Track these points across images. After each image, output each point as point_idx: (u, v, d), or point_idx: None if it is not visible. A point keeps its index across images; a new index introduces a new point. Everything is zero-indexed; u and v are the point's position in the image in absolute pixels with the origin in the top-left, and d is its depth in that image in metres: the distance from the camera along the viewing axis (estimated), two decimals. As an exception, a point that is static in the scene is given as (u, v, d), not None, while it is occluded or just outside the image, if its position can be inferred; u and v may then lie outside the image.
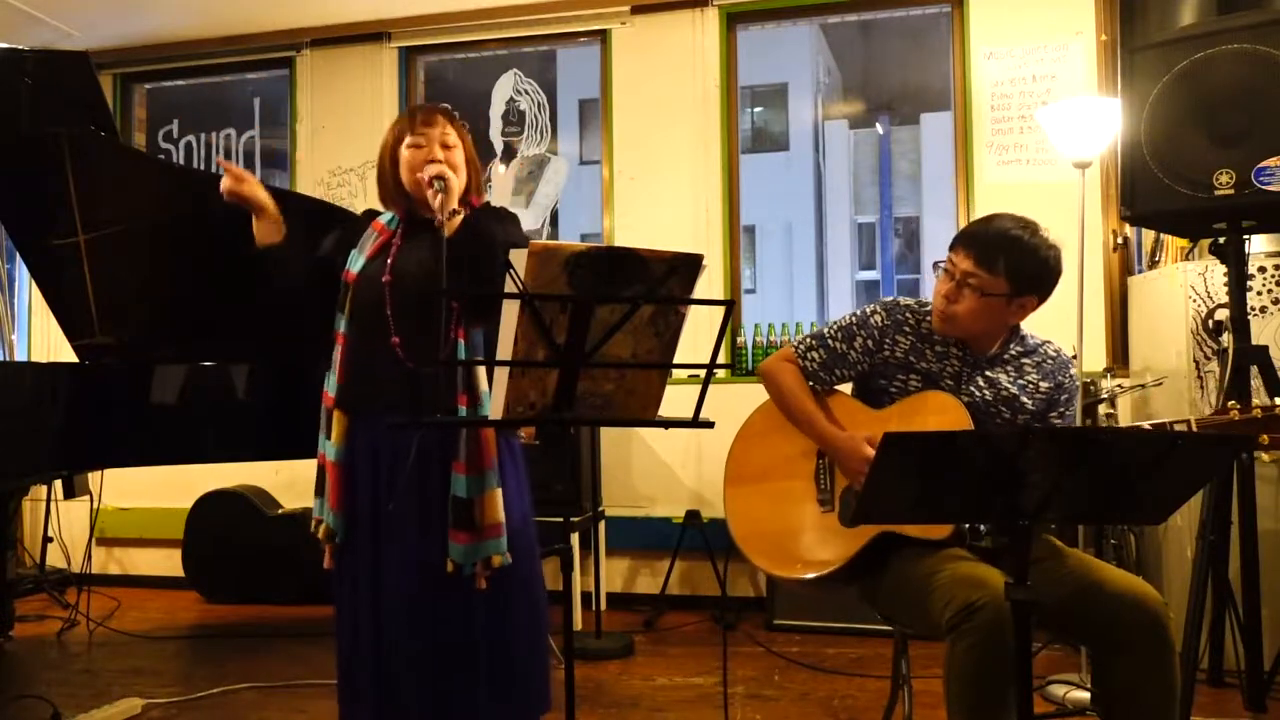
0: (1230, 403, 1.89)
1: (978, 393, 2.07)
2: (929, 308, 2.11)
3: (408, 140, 2.17)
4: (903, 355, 2.10)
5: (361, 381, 2.13)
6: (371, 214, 2.29)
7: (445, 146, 2.16)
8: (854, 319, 2.14)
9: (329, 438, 2.15)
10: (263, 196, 2.23)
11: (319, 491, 2.16)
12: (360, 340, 2.13)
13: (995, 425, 2.07)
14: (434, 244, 2.06)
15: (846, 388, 2.21)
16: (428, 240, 2.12)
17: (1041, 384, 2.09)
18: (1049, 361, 2.11)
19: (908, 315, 2.11)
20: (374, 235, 2.20)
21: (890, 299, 2.16)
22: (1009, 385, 2.08)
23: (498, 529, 2.08)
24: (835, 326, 2.16)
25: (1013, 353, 2.10)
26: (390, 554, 2.09)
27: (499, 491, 2.09)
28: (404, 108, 4.92)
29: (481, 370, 2.09)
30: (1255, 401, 1.89)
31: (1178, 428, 1.86)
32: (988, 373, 2.08)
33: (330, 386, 2.16)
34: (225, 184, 2.21)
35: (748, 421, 2.22)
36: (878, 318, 2.12)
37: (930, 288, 2.19)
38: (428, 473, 2.09)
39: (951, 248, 2.04)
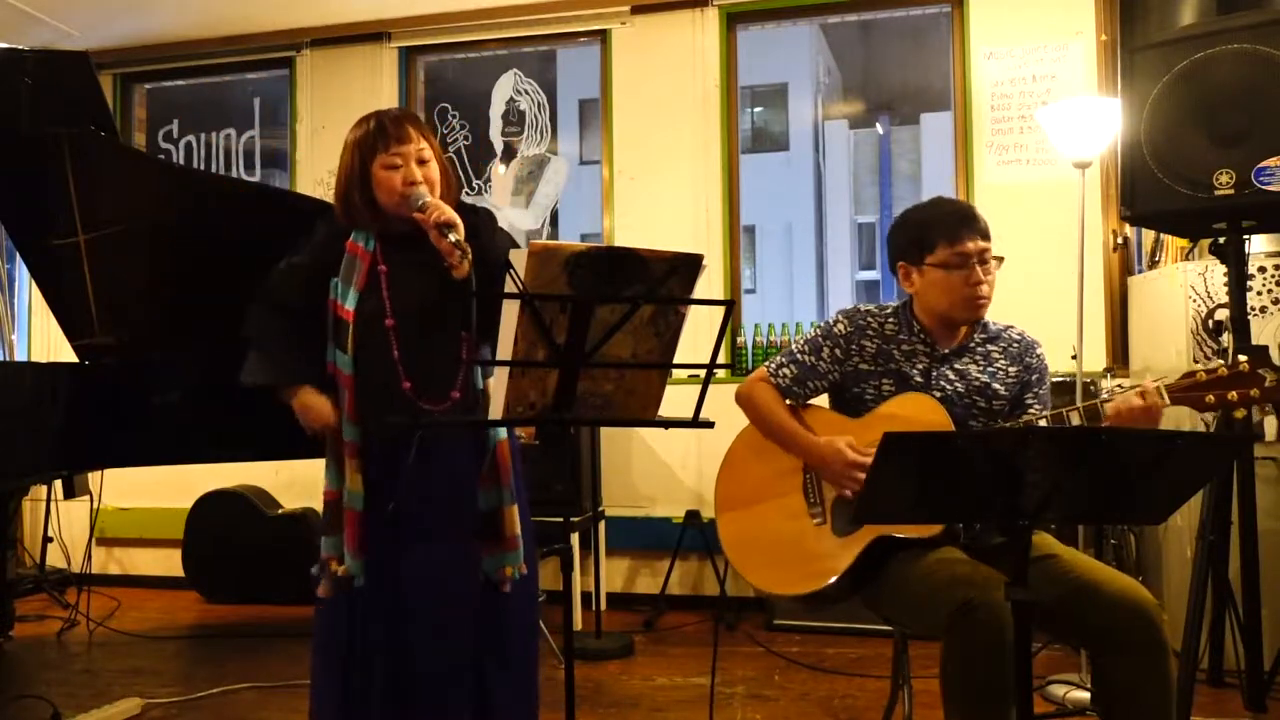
0: (1197, 363, 1.90)
1: (949, 386, 2.09)
2: (889, 310, 2.16)
3: (380, 160, 2.04)
4: (871, 358, 2.12)
5: (377, 425, 2.08)
6: (336, 230, 2.14)
7: (421, 163, 2.05)
8: (819, 331, 2.18)
9: (341, 477, 2.07)
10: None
11: (332, 529, 2.08)
12: (369, 384, 2.07)
13: (972, 417, 2.09)
14: (427, 268, 1.99)
15: (825, 403, 2.22)
16: (416, 260, 2.03)
17: (1010, 368, 2.12)
18: (1015, 345, 2.15)
19: (869, 320, 2.15)
20: (356, 261, 2.08)
21: (851, 307, 2.20)
22: (979, 375, 2.10)
23: (515, 541, 2.10)
24: (802, 341, 2.19)
25: (977, 341, 2.13)
26: (412, 565, 2.07)
27: (516, 508, 2.10)
28: (401, 107, 4.92)
29: (494, 390, 2.08)
30: (1218, 361, 1.90)
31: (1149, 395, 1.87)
32: (955, 365, 2.11)
33: (342, 429, 2.08)
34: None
35: (731, 448, 2.23)
36: (841, 326, 2.15)
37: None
38: (461, 488, 2.09)
39: (973, 237, 2.03)
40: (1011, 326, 2.19)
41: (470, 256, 1.91)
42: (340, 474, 2.08)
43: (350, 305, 2.05)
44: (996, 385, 2.10)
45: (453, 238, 1.90)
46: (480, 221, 2.11)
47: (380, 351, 2.04)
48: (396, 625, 2.06)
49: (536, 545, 2.24)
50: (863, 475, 1.95)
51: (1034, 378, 2.14)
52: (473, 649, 2.09)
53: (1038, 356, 2.16)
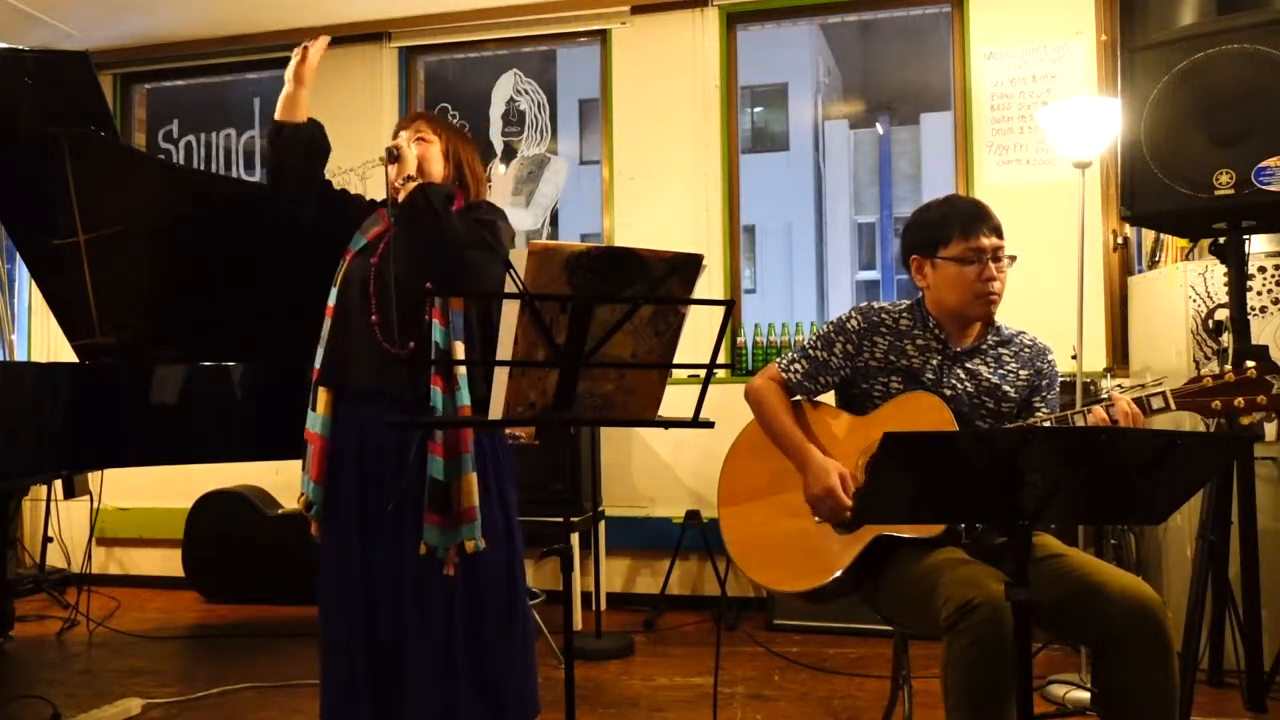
0: (1205, 369, 1.89)
1: (959, 385, 2.09)
2: (903, 306, 2.17)
3: None
4: (882, 356, 2.12)
5: (340, 357, 2.17)
6: (379, 204, 2.33)
7: (417, 140, 2.24)
8: (831, 326, 2.18)
9: (314, 409, 2.18)
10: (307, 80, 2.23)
11: (305, 466, 2.19)
12: (345, 316, 2.18)
13: (980, 417, 2.09)
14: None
15: (831, 399, 2.23)
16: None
17: (1021, 372, 2.13)
18: (1026, 350, 2.16)
19: (883, 316, 2.15)
20: (377, 221, 2.26)
21: (865, 304, 2.20)
22: (990, 376, 2.11)
23: (472, 513, 2.09)
24: (815, 336, 2.20)
25: (990, 343, 2.14)
26: (378, 546, 2.11)
27: (474, 476, 2.10)
28: (404, 107, 4.93)
29: (460, 356, 2.10)
30: (1227, 366, 1.89)
31: (1154, 400, 1.88)
32: (967, 365, 2.11)
33: (317, 360, 2.21)
34: (295, 65, 2.19)
35: (735, 443, 2.23)
36: (854, 322, 2.15)
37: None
38: (402, 461, 2.10)
39: (987, 234, 2.04)
40: (1024, 332, 2.19)
41: (413, 181, 2.11)
42: (314, 407, 2.19)
43: (353, 248, 2.23)
44: (1006, 387, 2.10)
45: (392, 154, 2.13)
46: (476, 205, 2.26)
47: (360, 287, 2.16)
48: (365, 606, 2.11)
49: (519, 533, 2.26)
50: (843, 513, 1.99)
51: (1044, 383, 2.14)
52: (433, 635, 2.09)
53: (1049, 362, 2.16)
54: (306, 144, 2.21)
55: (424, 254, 2.10)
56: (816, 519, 2.06)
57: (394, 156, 2.14)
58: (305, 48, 2.19)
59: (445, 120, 2.35)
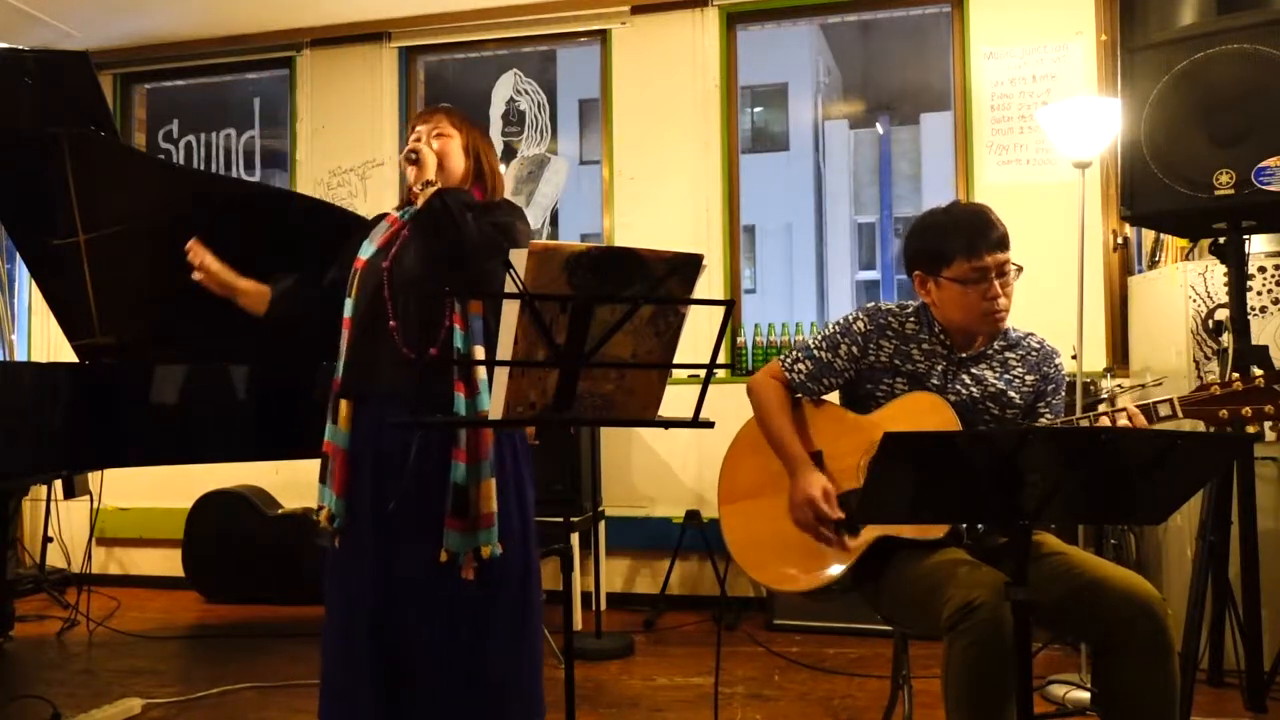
0: (1211, 377, 1.89)
1: (964, 390, 2.07)
2: (909, 309, 2.14)
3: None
4: (887, 359, 2.11)
5: (362, 366, 2.15)
6: (380, 218, 2.33)
7: (437, 136, 2.22)
8: (837, 327, 2.15)
9: (335, 422, 2.16)
10: (230, 277, 2.31)
11: (323, 479, 2.16)
12: (362, 325, 2.16)
13: (983, 424, 2.07)
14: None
15: (834, 397, 2.22)
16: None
17: (1027, 377, 2.10)
18: (1034, 354, 2.12)
19: (890, 319, 2.13)
20: (386, 226, 2.25)
21: (872, 305, 2.17)
22: (995, 381, 2.08)
23: (490, 519, 2.09)
24: (820, 336, 2.17)
25: (996, 348, 2.11)
26: (392, 550, 2.10)
27: (493, 481, 2.10)
28: (404, 107, 4.93)
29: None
30: (1233, 375, 1.89)
31: (1161, 407, 1.87)
32: (973, 370, 2.09)
33: (338, 372, 2.19)
34: (199, 277, 2.30)
35: (735, 441, 2.22)
36: (860, 324, 2.13)
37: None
38: (427, 466, 2.09)
39: (990, 251, 1.97)
40: (1032, 334, 2.15)
41: (433, 186, 2.09)
42: (335, 420, 2.17)
43: (364, 256, 2.21)
44: (1011, 393, 2.08)
45: (411, 158, 2.13)
46: (496, 204, 2.24)
47: (375, 294, 2.15)
48: (378, 609, 2.10)
49: (534, 537, 2.25)
50: (822, 529, 1.99)
51: (1050, 387, 2.12)
52: (442, 639, 2.09)
53: (1056, 366, 2.13)
54: (292, 304, 2.31)
55: (442, 261, 2.08)
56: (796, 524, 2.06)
57: (412, 159, 2.13)
58: (202, 266, 2.29)
59: (464, 114, 2.31)
